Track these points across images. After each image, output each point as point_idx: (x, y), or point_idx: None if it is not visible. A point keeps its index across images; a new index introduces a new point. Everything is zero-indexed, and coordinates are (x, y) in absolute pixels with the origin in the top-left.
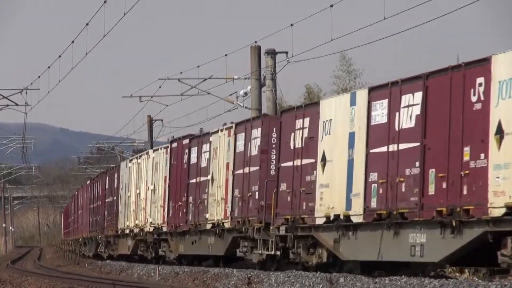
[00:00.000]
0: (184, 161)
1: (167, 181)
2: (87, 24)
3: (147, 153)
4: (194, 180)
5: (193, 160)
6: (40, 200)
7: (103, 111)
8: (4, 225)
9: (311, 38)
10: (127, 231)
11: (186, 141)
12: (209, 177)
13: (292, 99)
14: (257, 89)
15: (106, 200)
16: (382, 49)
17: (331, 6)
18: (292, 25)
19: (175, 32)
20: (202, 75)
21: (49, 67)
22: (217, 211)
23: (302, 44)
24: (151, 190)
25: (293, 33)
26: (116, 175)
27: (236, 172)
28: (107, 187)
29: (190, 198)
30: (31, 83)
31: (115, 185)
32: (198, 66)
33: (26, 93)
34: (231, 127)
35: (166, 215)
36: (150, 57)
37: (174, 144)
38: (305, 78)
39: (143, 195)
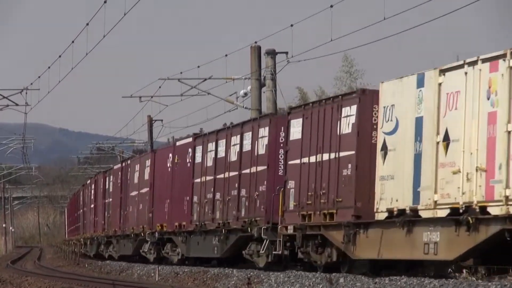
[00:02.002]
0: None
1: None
2: (87, 24)
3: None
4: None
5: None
6: (40, 200)
7: (103, 111)
8: (4, 225)
9: (311, 38)
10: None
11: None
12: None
13: (291, 100)
14: (257, 89)
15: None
16: (382, 49)
17: (331, 6)
18: (292, 25)
19: (175, 32)
20: (202, 75)
21: (49, 67)
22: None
23: (302, 44)
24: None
25: (293, 33)
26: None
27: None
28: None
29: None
30: (31, 83)
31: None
32: (198, 66)
33: (26, 93)
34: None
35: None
36: (150, 57)
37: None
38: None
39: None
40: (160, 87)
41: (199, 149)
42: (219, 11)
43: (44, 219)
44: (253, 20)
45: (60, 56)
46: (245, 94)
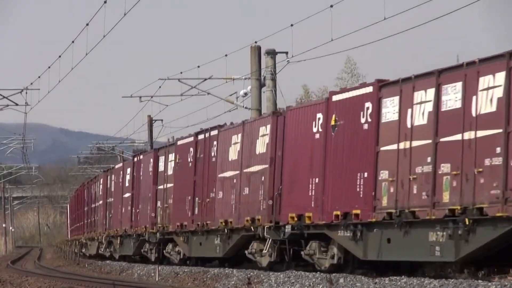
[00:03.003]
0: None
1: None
2: (87, 24)
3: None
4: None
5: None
6: (40, 200)
7: (103, 111)
8: (4, 225)
9: (311, 38)
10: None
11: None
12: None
13: (291, 100)
14: (257, 89)
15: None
16: (382, 49)
17: (331, 6)
18: (292, 25)
19: (175, 32)
20: (202, 75)
21: (49, 67)
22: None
23: (302, 44)
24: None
25: (293, 33)
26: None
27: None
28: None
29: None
30: (31, 83)
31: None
32: (198, 66)
33: (26, 93)
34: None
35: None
36: (150, 57)
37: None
38: (305, 78)
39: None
40: (160, 87)
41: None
42: (220, 11)
43: (44, 219)
44: (253, 20)
45: (60, 56)
46: (245, 94)
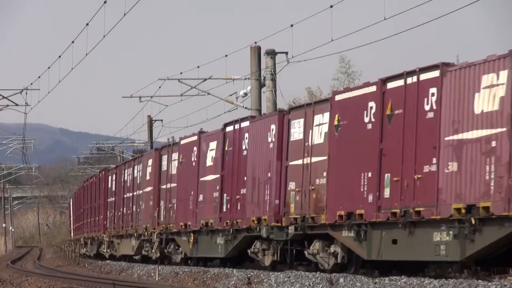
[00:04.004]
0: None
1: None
2: (87, 24)
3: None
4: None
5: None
6: (40, 200)
7: (103, 111)
8: (4, 225)
9: (311, 39)
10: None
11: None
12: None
13: (291, 100)
14: (257, 89)
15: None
16: (382, 48)
17: (331, 6)
18: (292, 25)
19: (175, 32)
20: (202, 75)
21: (49, 67)
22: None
23: (302, 45)
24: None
25: (293, 33)
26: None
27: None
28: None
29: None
30: (31, 83)
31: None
32: (198, 67)
33: (26, 93)
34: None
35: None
36: (150, 57)
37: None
38: (305, 78)
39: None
40: (160, 87)
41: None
42: (220, 11)
43: (44, 219)
44: (253, 20)
45: (60, 56)
46: (245, 94)
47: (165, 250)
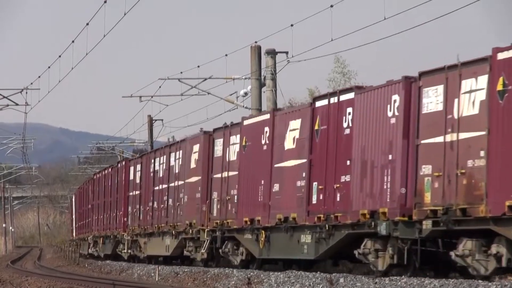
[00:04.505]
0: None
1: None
2: (87, 24)
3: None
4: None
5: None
6: (40, 200)
7: (103, 111)
8: (4, 225)
9: (311, 38)
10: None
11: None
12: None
13: (291, 100)
14: (257, 89)
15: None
16: (382, 49)
17: (331, 6)
18: (292, 25)
19: (175, 32)
20: (202, 75)
21: (49, 67)
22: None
23: (302, 44)
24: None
25: (293, 33)
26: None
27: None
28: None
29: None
30: (31, 83)
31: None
32: (198, 66)
33: (26, 93)
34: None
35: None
36: (150, 57)
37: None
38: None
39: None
40: (160, 87)
41: (219, 142)
42: (220, 11)
43: (44, 219)
44: (253, 20)
45: (60, 56)
46: (245, 93)
47: (220, 250)
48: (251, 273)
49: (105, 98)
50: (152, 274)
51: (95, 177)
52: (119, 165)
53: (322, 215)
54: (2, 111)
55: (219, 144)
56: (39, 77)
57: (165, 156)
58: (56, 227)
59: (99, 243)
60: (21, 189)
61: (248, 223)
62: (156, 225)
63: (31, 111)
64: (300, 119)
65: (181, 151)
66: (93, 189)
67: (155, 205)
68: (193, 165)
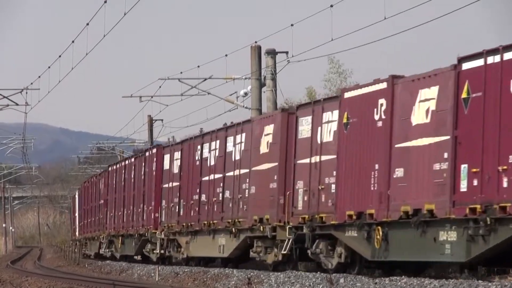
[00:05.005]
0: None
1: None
2: (87, 24)
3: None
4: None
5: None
6: (40, 200)
7: (103, 111)
8: (4, 225)
9: (311, 38)
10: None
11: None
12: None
13: (296, 100)
14: (257, 89)
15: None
16: (382, 48)
17: (331, 6)
18: (292, 25)
19: (175, 32)
20: (202, 75)
21: (49, 67)
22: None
23: (302, 44)
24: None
25: (293, 33)
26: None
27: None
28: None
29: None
30: (31, 83)
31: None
32: (198, 66)
33: (26, 93)
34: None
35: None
36: (150, 57)
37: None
38: (305, 78)
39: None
40: (160, 87)
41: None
42: (220, 11)
43: (44, 219)
44: (253, 20)
45: (60, 56)
46: (245, 94)
47: (309, 251)
48: (251, 273)
49: (105, 98)
50: (152, 274)
51: (110, 168)
52: (147, 153)
53: (478, 206)
54: (2, 111)
55: (305, 123)
56: (39, 77)
57: (218, 141)
58: (56, 227)
59: (117, 243)
60: (21, 189)
61: (354, 217)
62: (206, 222)
63: (31, 111)
64: (436, 87)
65: (244, 134)
66: (106, 182)
67: (204, 198)
68: (264, 149)
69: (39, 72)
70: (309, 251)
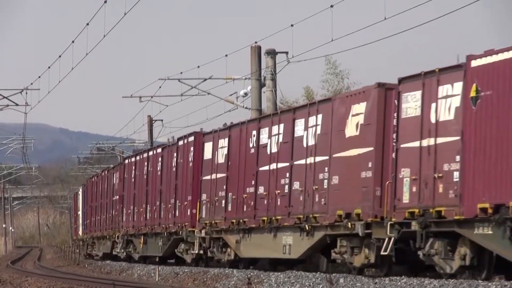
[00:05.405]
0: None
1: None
2: (87, 24)
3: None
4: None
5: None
6: (40, 200)
7: (103, 111)
8: (4, 225)
9: (311, 38)
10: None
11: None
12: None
13: (291, 100)
14: (257, 89)
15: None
16: (382, 48)
17: (331, 6)
18: (292, 25)
19: (175, 32)
20: (202, 75)
21: (49, 67)
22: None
23: (302, 44)
24: None
25: (293, 33)
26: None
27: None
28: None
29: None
30: (31, 83)
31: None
32: (198, 66)
33: (26, 93)
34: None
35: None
36: (150, 57)
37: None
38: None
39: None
40: (160, 87)
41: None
42: (220, 11)
43: (44, 219)
44: (253, 20)
45: (60, 56)
46: (245, 94)
47: (422, 252)
48: (251, 273)
49: (105, 98)
50: (152, 275)
51: (126, 161)
52: (180, 142)
53: None
54: (2, 111)
55: (411, 99)
56: (39, 77)
57: (282, 125)
58: (56, 228)
59: (137, 243)
60: (21, 189)
61: (490, 211)
62: (265, 218)
63: (31, 111)
64: None
65: (320, 116)
66: (122, 177)
67: (262, 191)
68: (352, 132)
69: (39, 72)
70: (420, 252)
